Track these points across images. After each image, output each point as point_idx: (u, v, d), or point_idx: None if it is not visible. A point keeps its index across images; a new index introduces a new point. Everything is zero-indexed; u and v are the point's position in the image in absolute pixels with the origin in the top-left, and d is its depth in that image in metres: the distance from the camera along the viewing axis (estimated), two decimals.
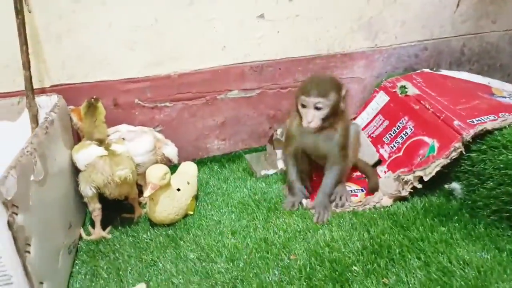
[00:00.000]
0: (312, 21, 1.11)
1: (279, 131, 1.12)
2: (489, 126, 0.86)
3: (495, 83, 1.15)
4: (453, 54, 1.30)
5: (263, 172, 1.08)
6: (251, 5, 1.04)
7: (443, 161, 0.88)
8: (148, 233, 0.87)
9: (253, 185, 1.03)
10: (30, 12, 0.89)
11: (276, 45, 1.10)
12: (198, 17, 1.02)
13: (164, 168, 0.86)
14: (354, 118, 1.20)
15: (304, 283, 0.72)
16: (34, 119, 0.89)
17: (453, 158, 0.87)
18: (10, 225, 0.56)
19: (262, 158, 1.13)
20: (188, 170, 1.00)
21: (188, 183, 0.94)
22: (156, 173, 0.85)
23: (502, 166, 0.81)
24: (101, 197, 0.86)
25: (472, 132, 0.86)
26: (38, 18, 0.91)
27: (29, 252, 0.60)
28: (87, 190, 0.83)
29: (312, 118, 0.83)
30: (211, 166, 1.13)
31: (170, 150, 0.99)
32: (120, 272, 0.77)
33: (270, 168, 1.09)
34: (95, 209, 0.86)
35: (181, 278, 0.75)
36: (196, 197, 0.98)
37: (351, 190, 0.99)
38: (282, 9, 1.07)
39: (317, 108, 0.83)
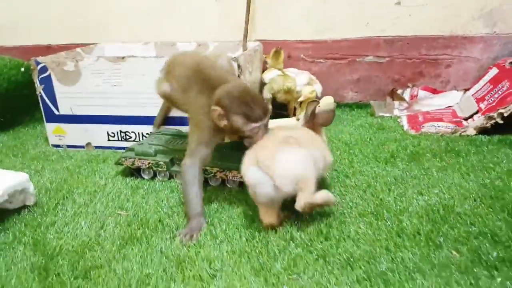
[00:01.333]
0: (439, 8, 1.48)
1: (399, 91, 1.52)
2: None
3: None
4: None
5: (380, 114, 1.48)
6: None
7: None
8: None
9: (371, 119, 1.44)
10: None
11: (407, 25, 1.51)
12: (353, 3, 1.51)
13: (313, 88, 1.37)
14: (467, 90, 1.49)
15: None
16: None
17: None
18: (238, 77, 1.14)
19: (383, 104, 1.54)
20: (327, 99, 1.48)
21: None
22: (307, 89, 1.36)
23: None
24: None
25: None
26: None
27: None
28: (267, 94, 1.40)
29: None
30: (344, 108, 1.59)
31: (318, 87, 1.49)
32: None
33: (386, 112, 1.49)
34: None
35: None
36: None
37: (441, 126, 1.31)
38: None
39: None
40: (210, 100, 0.80)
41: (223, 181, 0.98)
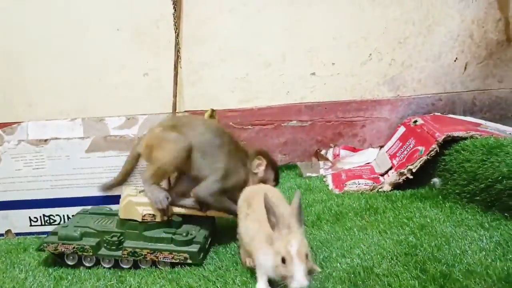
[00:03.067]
0: (349, 77, 1.66)
1: (323, 151, 1.64)
2: (455, 134, 1.27)
3: (490, 124, 1.52)
4: (466, 104, 1.70)
5: (307, 174, 1.57)
6: (307, 67, 1.64)
7: (424, 158, 1.29)
8: None
9: (299, 181, 1.53)
10: (181, 68, 1.61)
11: (323, 92, 1.66)
12: (273, 74, 1.64)
13: None
14: (382, 146, 1.65)
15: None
16: None
17: (431, 155, 1.28)
18: None
19: (309, 165, 1.64)
20: None
21: None
22: None
23: (460, 161, 1.20)
24: None
25: (442, 137, 1.27)
26: (184, 72, 1.62)
27: None
28: None
29: None
30: None
31: None
32: None
33: (313, 172, 1.59)
34: None
35: None
36: None
37: (361, 183, 1.42)
38: (328, 69, 1.64)
39: None
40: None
41: (154, 262, 0.97)
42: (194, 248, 0.95)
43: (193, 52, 1.62)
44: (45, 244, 0.97)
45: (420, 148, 1.37)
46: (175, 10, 1.57)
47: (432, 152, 1.29)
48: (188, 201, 1.05)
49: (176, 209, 1.04)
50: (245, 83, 1.65)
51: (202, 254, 0.98)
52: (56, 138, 1.16)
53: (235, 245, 1.05)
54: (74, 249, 0.96)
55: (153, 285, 0.89)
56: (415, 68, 1.66)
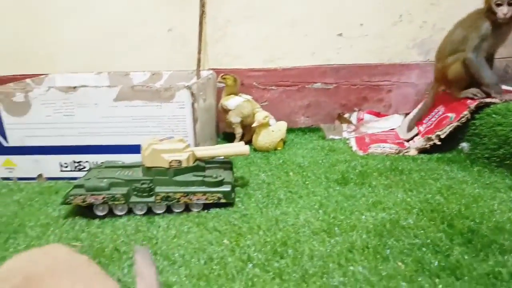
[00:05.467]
0: (377, 39, 1.61)
1: (346, 115, 1.62)
2: (487, 100, 1.23)
3: None
4: (497, 72, 1.63)
5: (330, 136, 1.56)
6: (334, 27, 1.60)
7: (455, 124, 1.26)
8: (253, 155, 1.42)
9: (322, 142, 1.52)
10: (205, 24, 1.59)
11: (349, 54, 1.62)
12: (298, 34, 1.61)
13: (266, 113, 1.43)
14: (407, 113, 1.62)
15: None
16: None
17: (462, 122, 1.25)
18: (193, 107, 1.16)
19: (332, 127, 1.62)
20: (280, 124, 1.54)
21: (279, 130, 1.48)
22: (260, 115, 1.41)
23: (491, 125, 1.17)
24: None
25: (475, 103, 1.24)
26: (208, 29, 1.60)
27: (196, 125, 1.20)
28: (236, 119, 1.45)
29: (507, 11, 1.21)
30: (297, 132, 1.66)
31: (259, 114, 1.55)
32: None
33: (336, 135, 1.57)
34: (239, 131, 1.48)
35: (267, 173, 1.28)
36: (284, 142, 1.51)
37: (385, 147, 1.41)
38: (355, 30, 1.60)
39: (509, 4, 1.22)
40: None
41: (186, 206, 0.99)
42: (226, 187, 0.98)
43: (218, 8, 1.59)
44: (71, 197, 0.96)
45: (450, 115, 1.33)
46: None
47: (463, 119, 1.26)
48: None
49: (199, 153, 1.05)
50: (270, 43, 1.62)
51: (233, 193, 1.01)
52: (85, 86, 1.17)
53: (259, 194, 1.06)
54: (104, 199, 0.96)
55: (181, 226, 0.91)
56: (447, 32, 1.60)
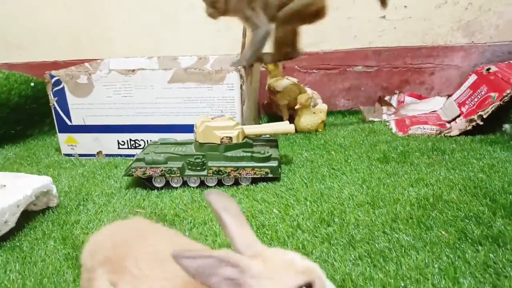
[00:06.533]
0: (420, 21, 1.60)
1: (387, 97, 1.63)
2: None
3: None
4: None
5: (370, 118, 1.59)
6: (377, 10, 1.61)
7: (497, 103, 1.26)
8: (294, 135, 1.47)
9: (362, 125, 1.55)
10: None
11: (392, 36, 1.63)
12: (341, 17, 1.63)
13: (308, 95, 1.47)
14: (450, 95, 1.61)
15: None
16: None
17: (505, 101, 1.25)
18: (241, 89, 1.23)
19: (372, 110, 1.65)
20: (321, 106, 1.58)
21: (320, 112, 1.52)
22: (303, 97, 1.46)
23: None
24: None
25: None
26: None
27: (243, 106, 1.26)
28: (284, 101, 1.51)
29: None
30: (337, 115, 1.69)
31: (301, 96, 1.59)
32: None
33: (376, 117, 1.60)
34: (286, 112, 1.54)
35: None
36: (324, 123, 1.55)
37: (426, 128, 1.41)
38: (399, 12, 1.60)
39: None
40: None
41: (236, 180, 1.06)
42: (273, 163, 1.04)
43: None
44: (133, 170, 1.05)
45: (492, 94, 1.33)
46: None
47: (506, 98, 1.25)
48: None
49: (248, 131, 1.12)
50: (312, 26, 1.65)
51: (279, 169, 1.07)
52: (143, 69, 1.26)
53: (303, 170, 1.12)
54: (162, 172, 1.05)
55: (232, 197, 0.98)
56: (493, 13, 1.57)
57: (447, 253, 0.71)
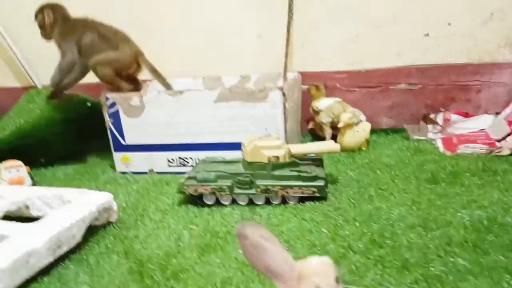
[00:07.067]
0: (465, 38, 1.58)
1: (432, 115, 1.61)
2: None
3: None
4: None
5: (415, 137, 1.57)
6: (420, 27, 1.60)
7: None
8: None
9: (407, 143, 1.53)
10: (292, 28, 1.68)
11: (436, 54, 1.61)
12: (383, 35, 1.64)
13: (351, 115, 1.48)
14: (498, 113, 1.57)
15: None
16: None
17: None
18: (284, 107, 1.26)
19: (416, 128, 1.63)
20: (364, 125, 1.58)
21: (364, 130, 1.52)
22: (346, 116, 1.47)
23: None
24: None
25: None
26: (293, 32, 1.69)
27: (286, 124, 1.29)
28: (327, 118, 1.53)
29: None
30: (379, 133, 1.68)
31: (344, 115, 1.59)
32: None
33: (421, 135, 1.58)
34: (329, 131, 1.56)
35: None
36: (368, 142, 1.55)
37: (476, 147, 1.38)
38: (443, 29, 1.59)
39: None
40: None
41: (283, 199, 1.08)
42: (320, 182, 1.06)
43: (302, 13, 1.67)
44: (185, 187, 1.10)
45: None
46: None
47: None
48: None
49: (294, 150, 1.14)
50: (354, 45, 1.67)
51: (326, 188, 1.08)
52: (190, 90, 1.32)
53: (349, 190, 1.12)
54: (212, 190, 1.09)
55: (281, 216, 1.01)
56: None
57: (507, 279, 0.70)
